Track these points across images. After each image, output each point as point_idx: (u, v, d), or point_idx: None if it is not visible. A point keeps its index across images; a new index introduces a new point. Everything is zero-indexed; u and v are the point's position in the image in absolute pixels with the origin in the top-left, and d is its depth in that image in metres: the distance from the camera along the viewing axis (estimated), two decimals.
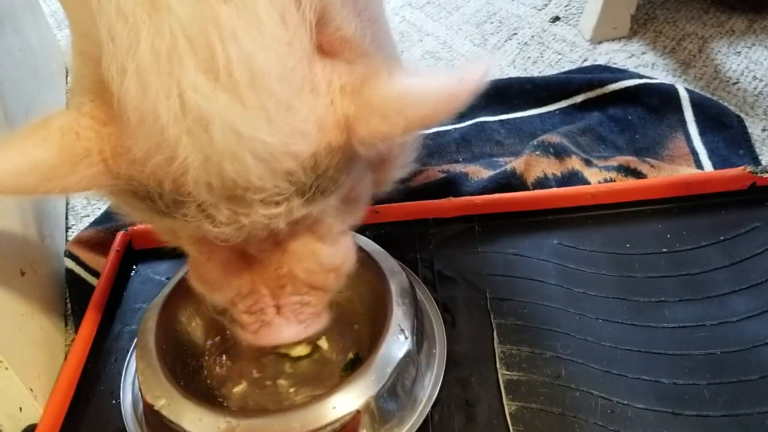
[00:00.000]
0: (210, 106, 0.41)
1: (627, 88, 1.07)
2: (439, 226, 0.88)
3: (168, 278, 0.87)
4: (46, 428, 0.70)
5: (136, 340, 0.72)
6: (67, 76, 1.34)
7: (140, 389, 0.66)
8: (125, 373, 0.76)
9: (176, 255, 0.88)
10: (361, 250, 0.68)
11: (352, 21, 0.50)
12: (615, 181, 0.91)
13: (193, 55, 0.41)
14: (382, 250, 0.76)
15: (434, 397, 0.69)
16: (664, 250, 0.82)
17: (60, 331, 0.83)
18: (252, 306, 0.59)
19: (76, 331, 0.81)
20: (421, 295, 0.77)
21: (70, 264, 0.89)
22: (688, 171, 0.94)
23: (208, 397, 0.71)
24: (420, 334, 0.70)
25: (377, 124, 0.46)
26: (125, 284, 0.87)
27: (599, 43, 1.25)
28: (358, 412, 0.62)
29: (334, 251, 0.58)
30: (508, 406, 0.68)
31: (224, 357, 0.76)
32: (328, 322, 0.63)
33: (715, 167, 0.95)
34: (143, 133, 0.43)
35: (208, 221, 0.47)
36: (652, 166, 0.94)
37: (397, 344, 0.66)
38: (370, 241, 0.77)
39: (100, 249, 0.91)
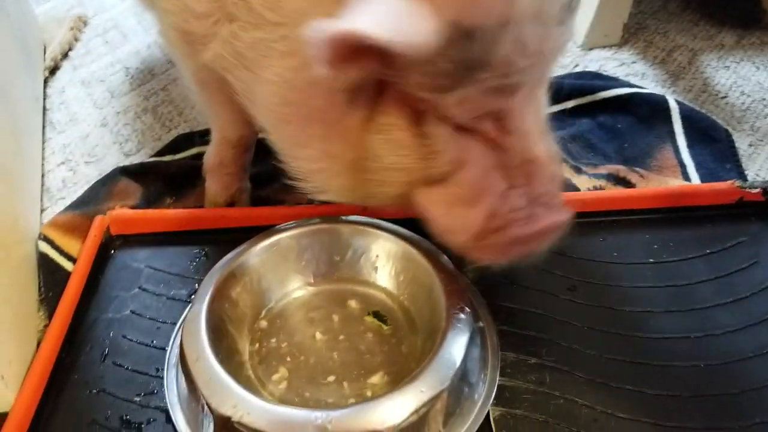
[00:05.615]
0: None
1: (618, 97, 1.07)
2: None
3: (148, 266, 0.85)
4: (17, 418, 0.67)
5: (176, 354, 0.71)
6: (44, 52, 1.30)
7: (207, 404, 0.62)
8: (167, 390, 0.71)
9: (157, 242, 0.87)
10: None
11: None
12: (604, 189, 0.91)
13: None
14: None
15: None
16: (651, 260, 0.82)
17: (32, 317, 0.80)
18: (515, 203, 0.61)
19: (48, 318, 0.78)
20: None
21: (44, 248, 0.86)
22: (675, 182, 0.94)
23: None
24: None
25: None
26: (103, 270, 0.85)
27: (591, 49, 1.25)
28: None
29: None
30: (492, 411, 0.68)
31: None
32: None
33: (702, 180, 0.96)
34: None
35: (519, 51, 0.53)
36: (641, 176, 0.94)
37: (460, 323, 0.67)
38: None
39: (77, 233, 0.88)
